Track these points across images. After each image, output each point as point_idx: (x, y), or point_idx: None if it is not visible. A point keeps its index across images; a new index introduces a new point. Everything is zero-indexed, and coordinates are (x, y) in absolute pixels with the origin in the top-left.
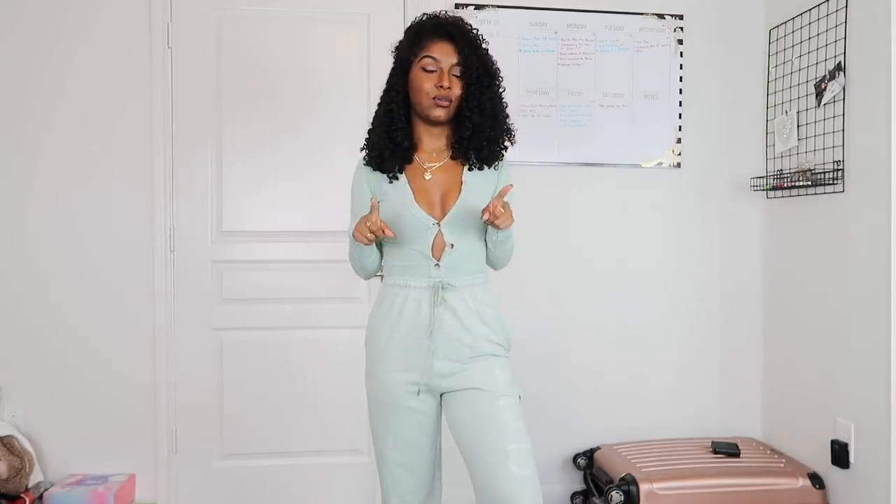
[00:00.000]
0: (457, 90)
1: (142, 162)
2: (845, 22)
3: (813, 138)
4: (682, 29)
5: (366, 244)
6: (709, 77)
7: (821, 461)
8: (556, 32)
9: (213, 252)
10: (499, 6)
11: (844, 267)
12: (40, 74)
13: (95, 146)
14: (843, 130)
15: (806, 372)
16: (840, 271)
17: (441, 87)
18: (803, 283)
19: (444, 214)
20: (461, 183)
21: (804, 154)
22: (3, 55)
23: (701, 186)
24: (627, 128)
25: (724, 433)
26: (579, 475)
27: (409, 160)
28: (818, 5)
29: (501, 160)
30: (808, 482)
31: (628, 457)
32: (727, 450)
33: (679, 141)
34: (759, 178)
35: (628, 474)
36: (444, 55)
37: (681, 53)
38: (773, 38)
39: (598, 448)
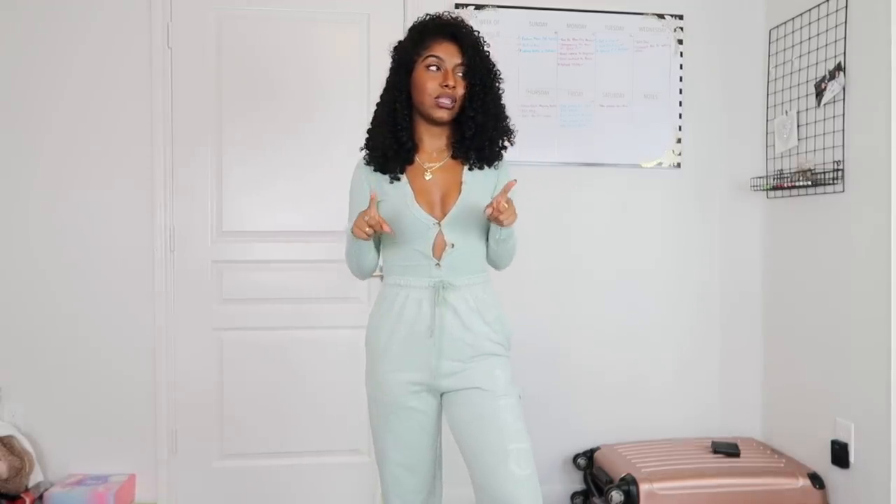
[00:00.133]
0: (460, 90)
1: (142, 162)
2: (845, 22)
3: (813, 138)
4: (682, 29)
5: (364, 239)
6: (709, 77)
7: (821, 461)
8: (556, 32)
9: (213, 252)
10: (499, 6)
11: (844, 267)
12: (40, 74)
13: (95, 146)
14: (843, 130)
15: (806, 372)
16: (840, 271)
17: (446, 86)
18: (803, 283)
19: (444, 214)
20: (461, 183)
21: (804, 154)
22: (3, 55)
23: (701, 186)
24: (627, 128)
25: (724, 433)
26: (579, 475)
27: (411, 161)
28: (818, 5)
29: (501, 160)
30: (808, 482)
31: (628, 457)
32: (727, 450)
33: (679, 141)
34: (760, 178)
35: (628, 474)
36: (448, 55)
37: (681, 53)
38: (773, 38)
39: (598, 448)
